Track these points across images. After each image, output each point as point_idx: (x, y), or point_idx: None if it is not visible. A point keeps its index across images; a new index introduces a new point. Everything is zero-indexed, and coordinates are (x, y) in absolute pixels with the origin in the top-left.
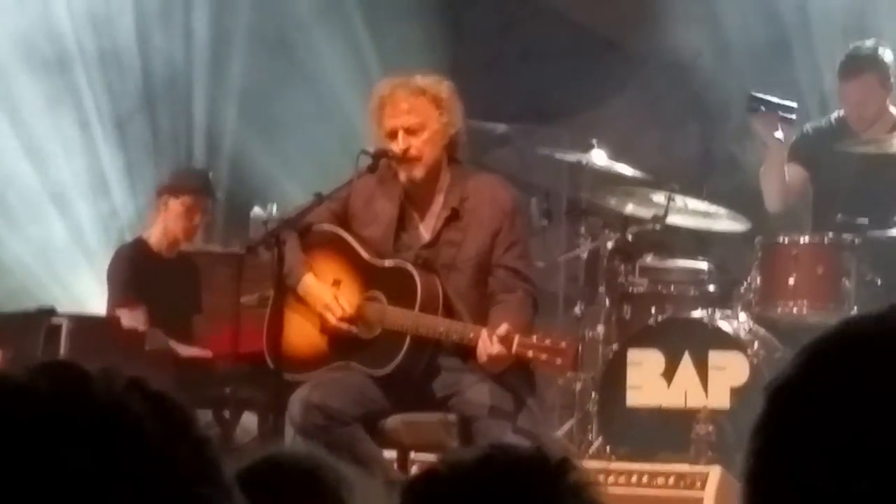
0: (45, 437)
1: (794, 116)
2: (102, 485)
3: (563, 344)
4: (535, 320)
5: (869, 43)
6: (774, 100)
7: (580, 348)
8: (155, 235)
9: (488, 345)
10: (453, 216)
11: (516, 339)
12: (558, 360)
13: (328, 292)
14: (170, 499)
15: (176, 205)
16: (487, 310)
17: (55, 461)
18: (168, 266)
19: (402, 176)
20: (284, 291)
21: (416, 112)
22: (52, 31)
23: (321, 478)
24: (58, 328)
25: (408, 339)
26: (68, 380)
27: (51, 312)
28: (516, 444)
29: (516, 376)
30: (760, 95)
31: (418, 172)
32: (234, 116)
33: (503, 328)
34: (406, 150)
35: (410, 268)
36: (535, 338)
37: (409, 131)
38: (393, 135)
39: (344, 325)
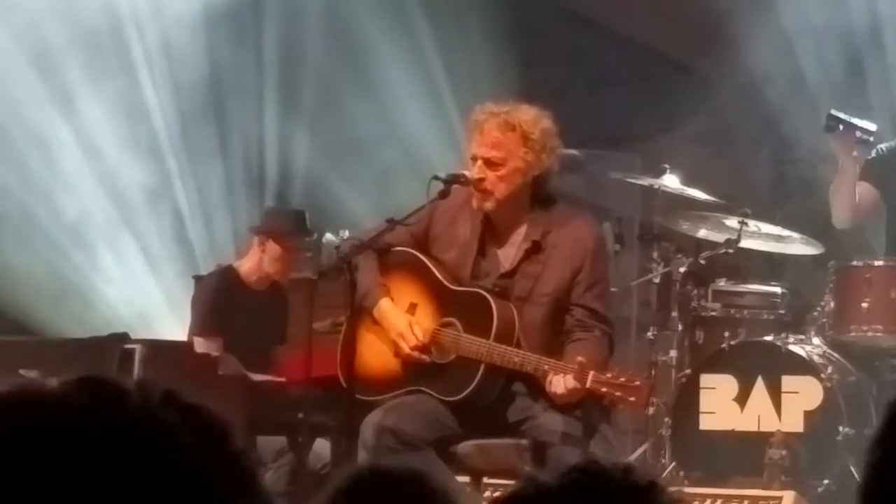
0: (82, 451)
1: (871, 138)
2: (139, 498)
3: (637, 382)
4: None
5: None
6: (853, 120)
7: (653, 385)
8: (247, 267)
9: (562, 380)
10: (534, 248)
11: (591, 374)
12: (632, 398)
13: (403, 319)
14: None
15: (274, 247)
16: (559, 345)
17: (91, 475)
18: (257, 297)
19: (475, 203)
20: (359, 313)
21: (500, 147)
22: (128, 66)
23: (429, 488)
24: (131, 353)
25: (482, 367)
26: (104, 394)
27: (124, 338)
28: (602, 464)
29: (590, 405)
30: (839, 114)
31: (489, 205)
32: (305, 142)
33: (579, 363)
34: (480, 181)
35: (488, 295)
36: (609, 374)
37: (489, 163)
38: (474, 160)
39: (417, 355)
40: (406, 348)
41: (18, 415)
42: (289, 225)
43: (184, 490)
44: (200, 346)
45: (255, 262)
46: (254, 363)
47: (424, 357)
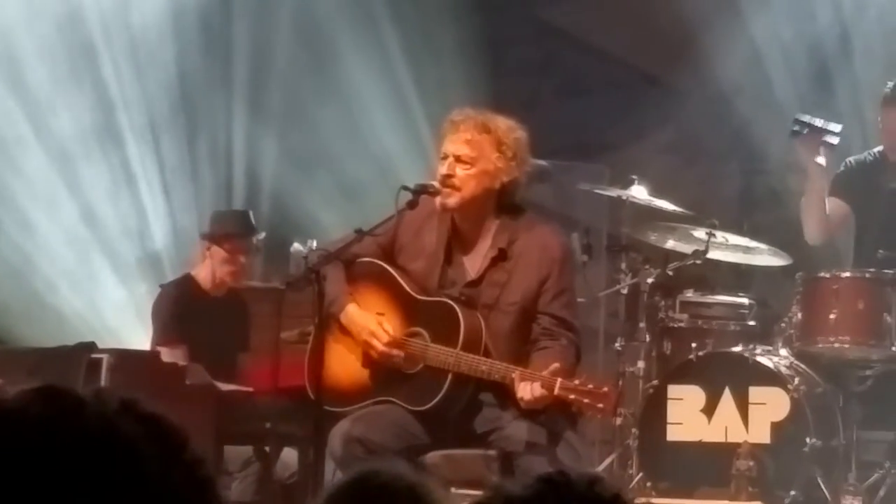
0: (37, 462)
1: (837, 140)
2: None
3: (605, 388)
4: None
5: None
6: (818, 123)
7: (621, 393)
8: (203, 275)
9: (529, 387)
10: (500, 256)
11: (559, 381)
12: (600, 405)
13: (372, 319)
14: None
15: (219, 251)
16: (525, 354)
17: (48, 485)
18: (216, 304)
19: (438, 201)
20: (326, 324)
21: (473, 145)
22: (93, 63)
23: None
24: (98, 363)
25: (449, 376)
26: (60, 404)
27: (91, 348)
28: (568, 475)
29: (557, 413)
30: (804, 118)
31: (453, 201)
32: (274, 151)
33: (550, 368)
34: (448, 177)
35: (455, 305)
36: (577, 382)
37: (460, 160)
38: (444, 158)
39: (391, 352)
40: (379, 346)
41: None
42: (230, 227)
43: (142, 499)
44: (166, 355)
45: (208, 269)
46: (218, 371)
47: (399, 353)
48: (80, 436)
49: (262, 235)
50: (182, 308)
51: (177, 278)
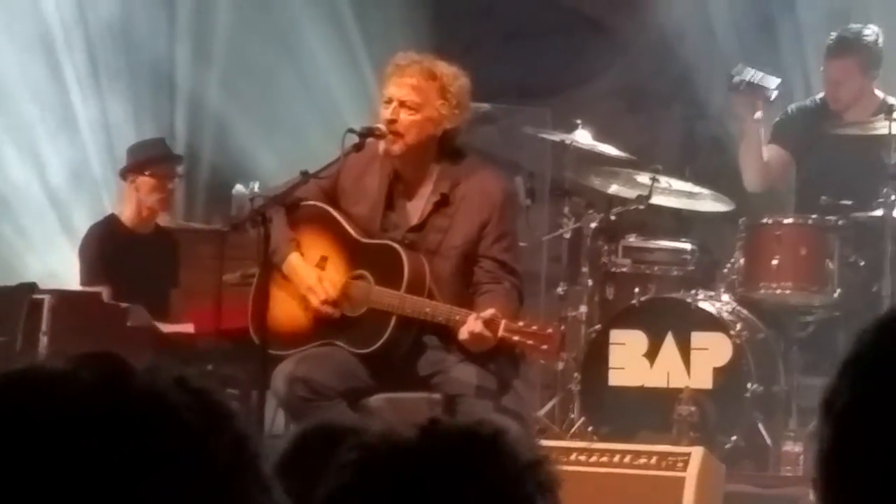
0: (85, 428)
1: (774, 94)
2: (140, 475)
3: (549, 330)
4: None
5: (855, 26)
6: (755, 78)
7: (564, 335)
8: (128, 212)
9: (472, 324)
10: (442, 202)
11: (502, 323)
12: (544, 346)
13: (312, 274)
14: (207, 491)
15: (145, 180)
16: (468, 298)
17: (94, 451)
18: (143, 241)
19: (381, 148)
20: (270, 268)
21: (419, 91)
22: (35, 4)
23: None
24: (40, 304)
25: (393, 319)
26: (110, 371)
27: (32, 288)
28: (450, 421)
29: (502, 359)
30: (741, 73)
31: (396, 148)
32: (216, 94)
33: (489, 312)
34: (392, 122)
35: (398, 247)
36: (521, 323)
37: (404, 105)
38: (388, 102)
39: (326, 309)
40: (315, 302)
41: (23, 392)
42: (152, 151)
43: (186, 468)
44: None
45: (133, 206)
46: (151, 308)
47: (334, 311)
48: (127, 403)
49: (182, 165)
50: (107, 247)
51: (101, 219)
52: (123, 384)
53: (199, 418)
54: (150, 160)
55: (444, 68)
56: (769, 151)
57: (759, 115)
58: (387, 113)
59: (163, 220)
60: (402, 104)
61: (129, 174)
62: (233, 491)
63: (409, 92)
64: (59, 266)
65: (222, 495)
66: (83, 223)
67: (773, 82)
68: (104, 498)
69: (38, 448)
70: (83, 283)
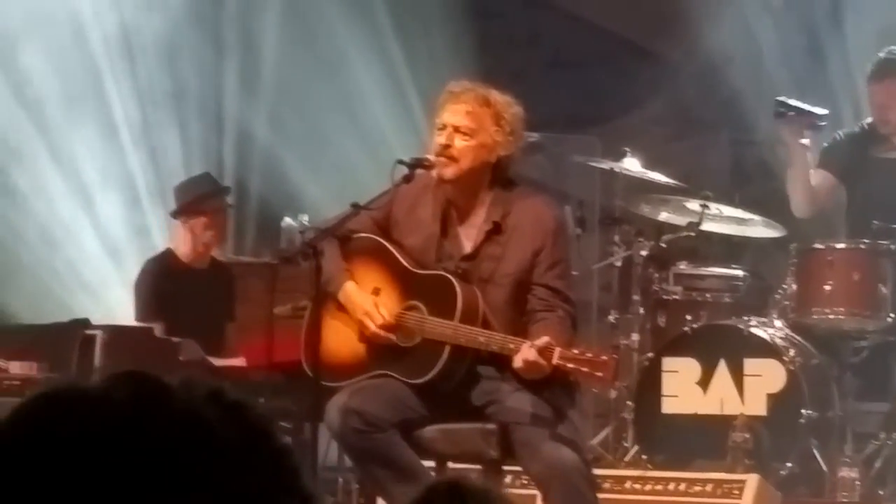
0: (123, 447)
1: (823, 123)
2: (179, 494)
3: (604, 357)
4: None
5: None
6: (801, 105)
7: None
8: (183, 248)
9: (526, 352)
10: (495, 230)
11: (557, 351)
12: (599, 373)
13: (368, 300)
14: None
15: (198, 220)
16: (522, 326)
17: (132, 470)
18: (199, 275)
19: (435, 173)
20: (323, 299)
21: (473, 117)
22: (80, 33)
23: None
24: (92, 339)
25: (447, 349)
26: (147, 390)
27: (85, 324)
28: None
29: (557, 387)
30: (787, 101)
31: (450, 172)
32: (264, 127)
33: (543, 340)
34: (446, 147)
35: (451, 277)
36: (576, 351)
37: (458, 131)
38: (442, 129)
39: (383, 334)
40: (372, 327)
41: (60, 411)
42: (202, 188)
43: (226, 487)
44: None
45: (189, 243)
46: (206, 343)
47: (391, 336)
48: (164, 423)
49: (230, 193)
50: (162, 283)
51: (157, 254)
52: (159, 403)
53: (237, 435)
54: (200, 197)
55: (498, 96)
56: (817, 177)
57: (806, 141)
58: (441, 139)
59: (215, 253)
60: (456, 130)
61: (181, 214)
62: None
63: (464, 118)
64: (111, 301)
65: None
66: (133, 257)
67: (820, 111)
68: None
69: (70, 467)
70: (138, 319)
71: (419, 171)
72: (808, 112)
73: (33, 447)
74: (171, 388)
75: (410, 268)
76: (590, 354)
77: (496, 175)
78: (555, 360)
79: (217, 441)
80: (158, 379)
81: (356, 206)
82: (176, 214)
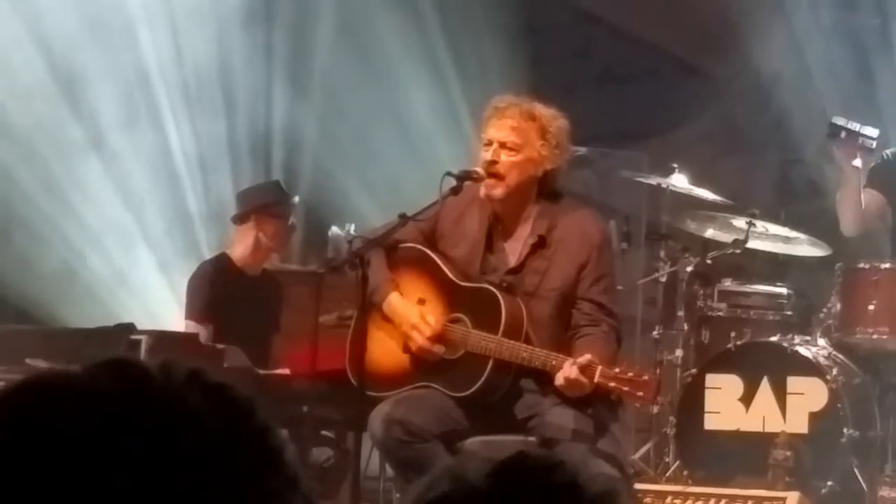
0: (106, 432)
1: (874, 144)
2: (163, 478)
3: (646, 376)
4: None
5: None
6: (855, 127)
7: (660, 381)
8: (240, 251)
9: (568, 370)
10: (540, 244)
11: (598, 370)
12: (640, 393)
13: (415, 311)
14: (232, 489)
15: (270, 224)
16: (565, 340)
17: (116, 456)
18: (251, 283)
19: (483, 192)
20: (368, 310)
21: (519, 132)
22: (133, 43)
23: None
24: (137, 344)
25: (490, 363)
26: (127, 375)
27: (130, 329)
28: (528, 461)
29: (599, 402)
30: (841, 122)
31: (498, 192)
32: (313, 136)
33: (585, 358)
34: (493, 163)
35: (496, 291)
36: (617, 369)
37: (504, 147)
38: (489, 145)
39: (430, 346)
40: (419, 339)
41: (43, 399)
42: (273, 196)
43: (209, 468)
44: (191, 328)
45: (247, 246)
46: (250, 351)
47: (440, 347)
48: (145, 408)
49: (297, 199)
50: (216, 285)
51: (213, 256)
52: (141, 388)
53: (219, 417)
54: (271, 203)
55: (543, 109)
56: (865, 196)
57: (858, 162)
58: (487, 155)
59: (275, 258)
60: (502, 146)
61: (250, 216)
62: (258, 488)
63: (510, 133)
64: (156, 307)
65: (247, 493)
66: (179, 263)
67: (872, 132)
68: None
69: (53, 452)
70: (188, 317)
71: (467, 184)
72: (861, 133)
73: (18, 435)
74: (151, 373)
75: (456, 280)
76: (631, 374)
77: (542, 188)
78: (596, 379)
79: (201, 423)
80: (139, 364)
81: (403, 217)
82: (241, 219)
